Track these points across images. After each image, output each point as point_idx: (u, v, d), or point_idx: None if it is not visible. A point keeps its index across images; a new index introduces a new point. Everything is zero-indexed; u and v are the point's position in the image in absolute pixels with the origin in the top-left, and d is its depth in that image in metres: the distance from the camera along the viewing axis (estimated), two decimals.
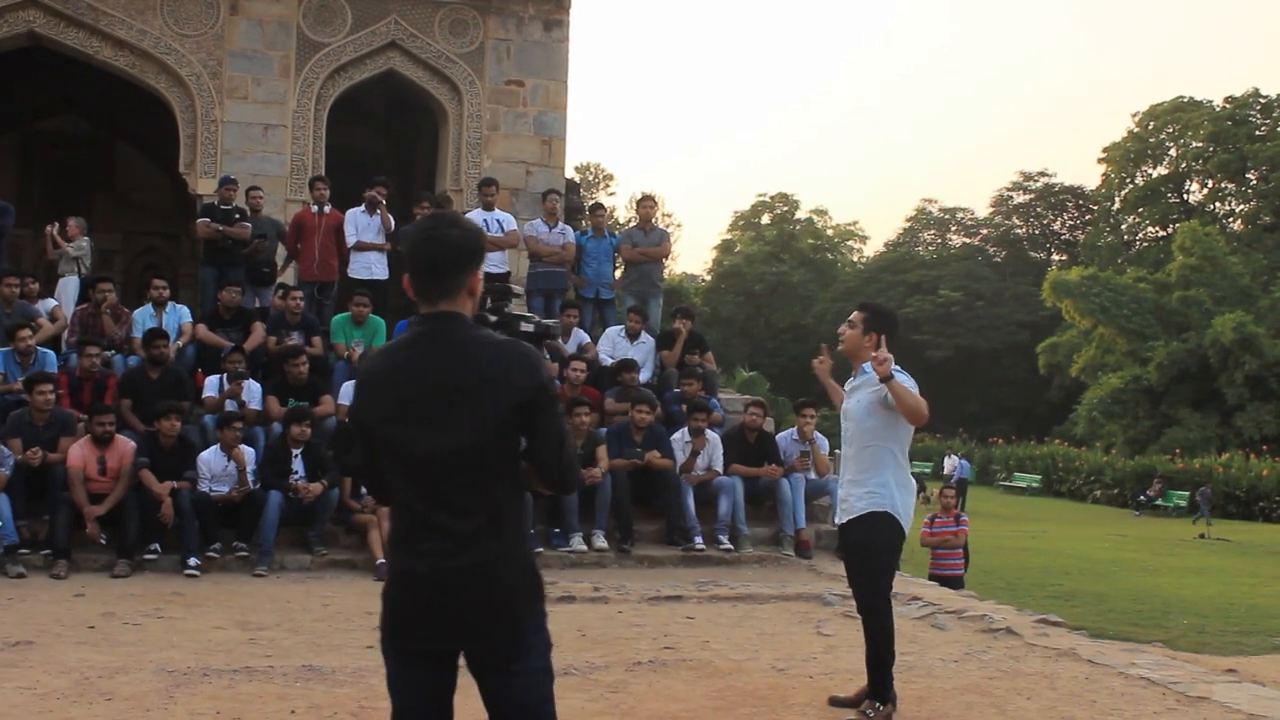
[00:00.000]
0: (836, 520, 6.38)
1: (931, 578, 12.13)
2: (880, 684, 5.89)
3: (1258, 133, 58.90)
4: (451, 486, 3.24)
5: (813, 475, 12.19)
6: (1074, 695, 6.52)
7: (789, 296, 72.19)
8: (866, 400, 6.02)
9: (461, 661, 3.35)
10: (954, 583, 11.87)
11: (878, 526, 5.95)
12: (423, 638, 3.28)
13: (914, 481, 6.28)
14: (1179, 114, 61.77)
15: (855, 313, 6.23)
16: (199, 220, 14.08)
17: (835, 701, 6.06)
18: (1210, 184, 62.14)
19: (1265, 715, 6.07)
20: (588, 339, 13.95)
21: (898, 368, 5.99)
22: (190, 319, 12.94)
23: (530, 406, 3.25)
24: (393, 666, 3.37)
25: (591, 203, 16.99)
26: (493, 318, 4.67)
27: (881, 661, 5.91)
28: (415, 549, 3.27)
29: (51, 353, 11.82)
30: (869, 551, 5.98)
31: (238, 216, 13.78)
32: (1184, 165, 62.73)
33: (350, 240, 13.81)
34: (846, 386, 6.24)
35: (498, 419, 3.23)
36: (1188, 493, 37.55)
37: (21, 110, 21.79)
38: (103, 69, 16.44)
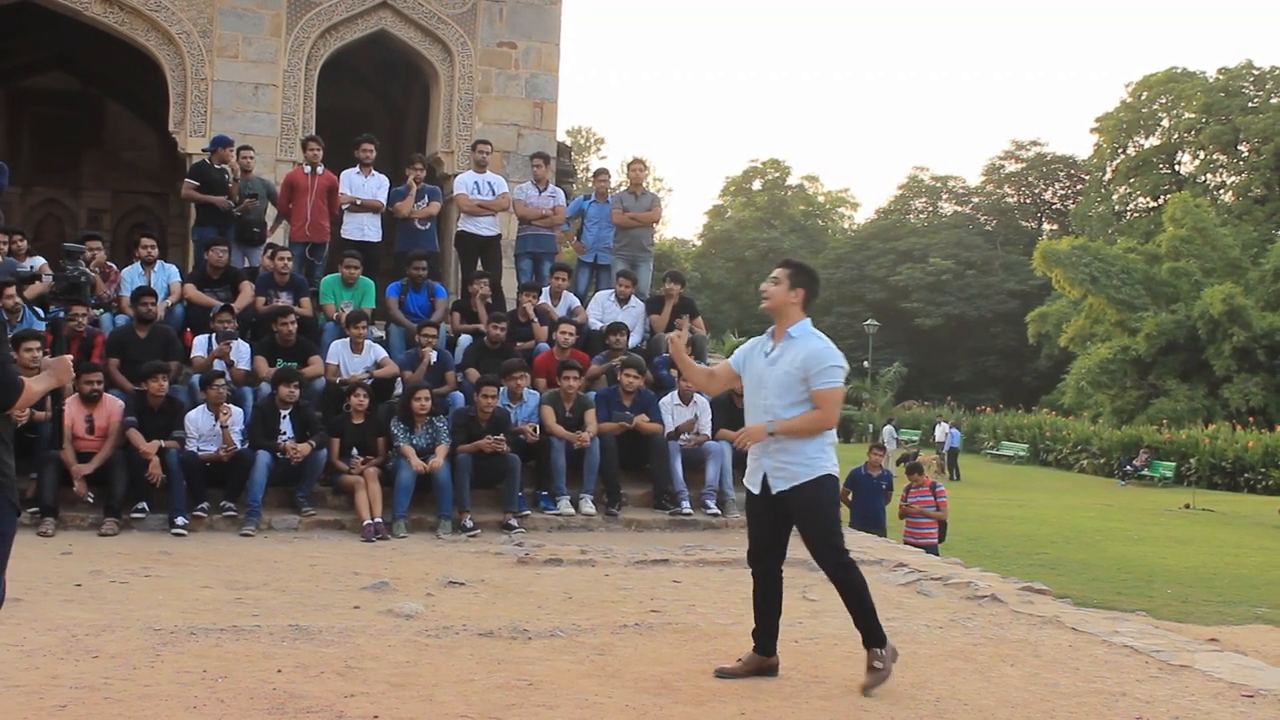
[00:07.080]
0: (759, 486, 6.05)
1: (905, 545, 12.19)
2: (871, 630, 5.90)
3: (1250, 104, 58.93)
4: None
5: None
6: (1057, 663, 6.55)
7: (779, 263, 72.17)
8: (793, 374, 5.94)
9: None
10: (927, 552, 11.90)
11: (824, 489, 5.97)
12: None
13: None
14: (1172, 85, 61.76)
15: (779, 269, 6.15)
16: (185, 181, 13.99)
17: (723, 673, 6.03)
18: (1202, 155, 62.15)
19: (1246, 684, 6.10)
20: (577, 303, 13.90)
21: (820, 334, 6.01)
22: (179, 278, 12.89)
23: None
24: None
25: (597, 167, 16.85)
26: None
27: (866, 610, 5.92)
28: None
29: (39, 310, 11.74)
30: (820, 515, 5.98)
31: (227, 177, 13.69)
32: (1176, 136, 62.76)
33: (349, 201, 13.74)
34: (767, 353, 6.07)
35: None
36: (1174, 463, 37.73)
37: (11, 67, 21.62)
38: (92, 26, 16.28)
